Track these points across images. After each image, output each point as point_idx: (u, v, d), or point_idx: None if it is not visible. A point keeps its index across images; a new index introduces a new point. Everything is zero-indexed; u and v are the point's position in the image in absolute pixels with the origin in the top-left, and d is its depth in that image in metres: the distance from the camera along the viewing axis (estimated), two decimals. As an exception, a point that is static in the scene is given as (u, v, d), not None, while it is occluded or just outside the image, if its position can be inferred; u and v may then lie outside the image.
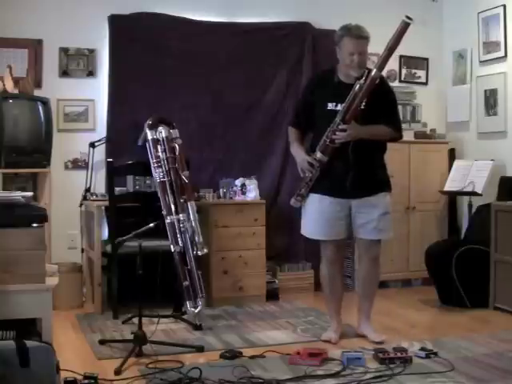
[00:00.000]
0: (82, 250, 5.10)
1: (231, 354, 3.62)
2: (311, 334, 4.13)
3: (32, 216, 3.28)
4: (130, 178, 4.91)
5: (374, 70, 3.69)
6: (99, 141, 5.12)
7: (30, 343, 2.77)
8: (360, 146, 3.74)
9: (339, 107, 3.74)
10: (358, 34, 3.74)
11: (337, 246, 3.95)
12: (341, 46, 3.78)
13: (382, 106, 3.81)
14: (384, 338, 3.87)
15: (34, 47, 5.05)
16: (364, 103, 3.71)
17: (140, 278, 3.66)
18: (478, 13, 5.61)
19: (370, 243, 3.94)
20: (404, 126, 5.84)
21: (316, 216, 3.89)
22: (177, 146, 4.38)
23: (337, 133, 3.69)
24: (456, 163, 5.70)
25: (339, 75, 3.85)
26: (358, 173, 3.78)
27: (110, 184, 4.60)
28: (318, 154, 3.77)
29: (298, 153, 3.93)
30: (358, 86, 3.67)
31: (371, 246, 3.95)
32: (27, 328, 3.13)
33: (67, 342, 3.93)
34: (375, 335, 3.93)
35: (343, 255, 4.05)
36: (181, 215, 4.25)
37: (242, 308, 4.87)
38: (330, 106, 3.80)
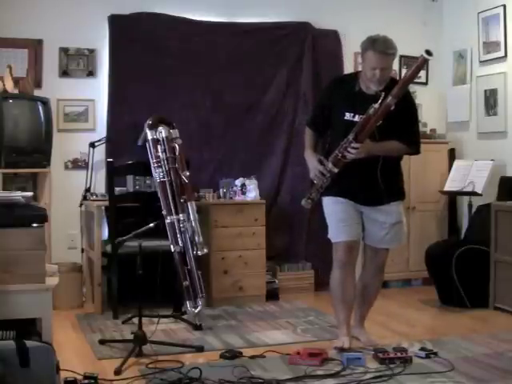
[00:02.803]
0: (82, 250, 5.10)
1: (231, 354, 3.62)
2: (311, 334, 4.14)
3: (32, 216, 3.28)
4: (130, 178, 4.91)
5: (390, 98, 3.53)
6: (99, 141, 5.12)
7: (30, 343, 2.78)
8: (382, 163, 3.69)
9: (356, 118, 3.64)
10: (381, 50, 3.55)
11: (349, 248, 3.78)
12: (364, 59, 3.65)
13: (402, 120, 3.68)
14: (375, 343, 3.81)
15: (34, 47, 5.05)
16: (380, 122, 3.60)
17: (140, 277, 3.66)
18: (478, 13, 5.61)
19: (377, 250, 3.89)
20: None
21: (333, 217, 3.81)
22: (177, 146, 4.38)
23: (348, 149, 3.59)
24: (456, 163, 5.69)
25: (360, 84, 3.73)
26: (373, 183, 3.73)
27: (110, 184, 4.60)
28: (330, 165, 3.69)
29: (311, 160, 3.84)
30: (372, 110, 3.54)
31: (378, 253, 3.90)
32: (27, 328, 3.12)
33: (67, 342, 3.93)
34: (367, 339, 3.89)
35: (356, 259, 3.91)
36: (181, 215, 4.25)
37: (242, 308, 4.87)
38: (348, 116, 3.68)
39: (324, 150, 3.92)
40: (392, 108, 3.56)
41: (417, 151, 3.87)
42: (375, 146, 3.64)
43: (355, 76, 3.84)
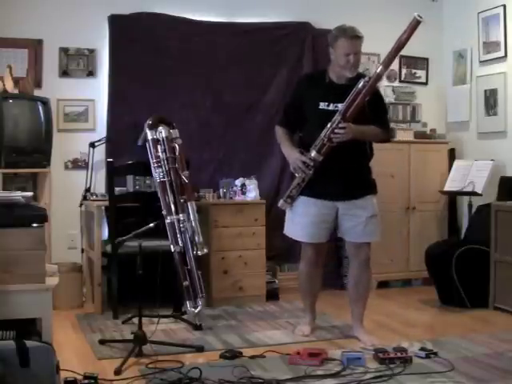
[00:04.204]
0: (82, 250, 5.09)
1: (231, 354, 3.62)
2: (311, 334, 4.13)
3: (32, 216, 3.28)
4: (130, 178, 4.91)
5: (380, 67, 3.68)
6: (99, 141, 5.12)
7: (30, 343, 2.77)
8: (351, 149, 3.76)
9: (331, 107, 3.76)
10: (353, 35, 3.73)
11: (318, 249, 3.98)
12: (335, 47, 3.77)
13: (373, 109, 3.80)
14: (375, 343, 3.81)
15: (34, 47, 5.05)
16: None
17: (140, 278, 3.66)
18: (478, 13, 5.61)
19: (359, 246, 3.93)
20: (404, 125, 5.90)
21: (301, 219, 3.91)
22: (177, 146, 4.38)
23: (336, 130, 3.66)
24: (456, 163, 5.70)
25: (331, 76, 3.86)
26: (347, 176, 3.81)
27: (110, 184, 4.59)
28: (313, 153, 3.75)
29: (291, 152, 3.91)
30: (361, 84, 3.64)
31: (360, 248, 3.94)
32: (27, 328, 3.13)
33: (67, 342, 3.93)
34: (367, 339, 3.90)
35: (324, 257, 4.10)
36: (181, 215, 4.25)
37: (242, 308, 4.87)
38: (322, 105, 3.80)
39: (299, 144, 3.97)
40: (382, 79, 3.76)
41: (389, 136, 4.06)
42: (357, 129, 3.72)
43: (323, 71, 3.95)
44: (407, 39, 3.66)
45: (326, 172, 3.77)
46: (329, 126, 3.68)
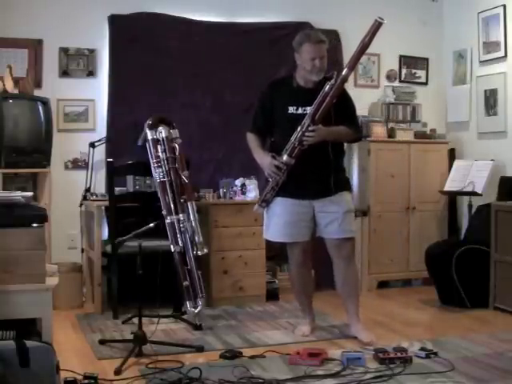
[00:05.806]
0: (82, 250, 5.10)
1: (231, 354, 3.62)
2: (311, 334, 4.13)
3: (32, 216, 3.28)
4: (130, 178, 4.92)
5: (345, 70, 3.75)
6: (99, 141, 5.12)
7: (30, 343, 2.77)
8: (322, 149, 3.81)
9: (300, 111, 3.82)
10: (317, 39, 3.81)
11: (303, 248, 4.01)
12: (301, 52, 3.84)
13: (342, 110, 3.85)
14: (373, 339, 3.85)
15: (34, 47, 5.05)
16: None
17: (140, 277, 3.66)
18: (478, 13, 5.61)
19: (339, 243, 3.95)
20: (404, 125, 5.89)
21: (279, 219, 3.94)
22: (177, 146, 4.38)
23: (306, 134, 3.72)
24: (456, 163, 5.70)
25: (298, 80, 3.92)
26: (320, 176, 3.85)
27: (110, 184, 4.59)
28: (285, 157, 3.81)
29: (264, 158, 3.96)
30: (328, 87, 3.71)
31: (341, 245, 3.96)
32: (27, 328, 3.13)
33: (67, 342, 3.93)
34: (364, 335, 3.92)
35: (310, 256, 4.12)
36: (181, 215, 4.25)
37: (242, 308, 4.87)
38: (291, 109, 3.86)
39: (270, 149, 4.01)
40: (347, 82, 3.79)
41: (360, 136, 4.13)
42: (328, 131, 3.78)
43: (290, 76, 4.01)
44: (370, 41, 3.74)
45: (300, 173, 3.82)
46: (299, 129, 3.75)
